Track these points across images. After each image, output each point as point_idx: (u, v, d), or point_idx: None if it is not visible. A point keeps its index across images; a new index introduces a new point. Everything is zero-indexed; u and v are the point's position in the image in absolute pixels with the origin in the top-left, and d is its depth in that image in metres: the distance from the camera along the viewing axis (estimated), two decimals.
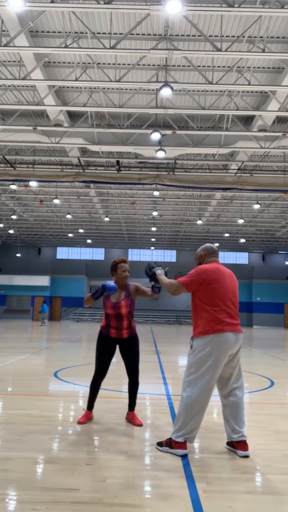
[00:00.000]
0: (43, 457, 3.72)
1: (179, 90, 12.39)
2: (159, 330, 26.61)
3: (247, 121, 14.44)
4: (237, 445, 3.88)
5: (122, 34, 10.23)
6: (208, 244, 4.35)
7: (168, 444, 3.89)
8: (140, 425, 4.72)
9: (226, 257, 41.91)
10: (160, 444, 3.98)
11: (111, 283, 4.61)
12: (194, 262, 4.34)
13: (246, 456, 3.83)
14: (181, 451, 3.79)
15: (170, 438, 3.89)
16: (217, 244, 37.00)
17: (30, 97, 13.33)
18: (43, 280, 38.07)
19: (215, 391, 3.98)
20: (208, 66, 11.54)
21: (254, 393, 6.96)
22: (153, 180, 16.34)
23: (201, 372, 3.82)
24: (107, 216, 27.18)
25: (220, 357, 3.80)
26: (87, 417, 4.81)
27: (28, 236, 36.69)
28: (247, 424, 4.97)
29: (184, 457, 3.75)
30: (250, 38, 10.33)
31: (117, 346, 4.84)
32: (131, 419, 4.81)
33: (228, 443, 4.02)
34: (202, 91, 12.74)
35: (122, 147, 15.11)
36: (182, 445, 3.81)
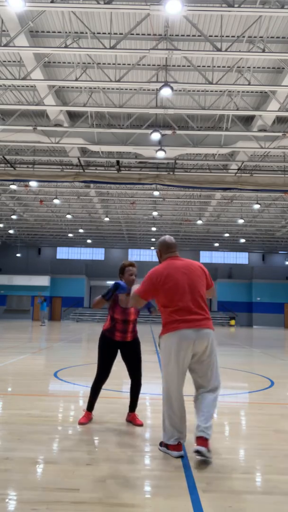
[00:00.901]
0: (43, 457, 3.72)
1: (179, 90, 12.39)
2: (159, 330, 26.61)
3: (247, 121, 14.44)
4: (196, 440, 3.60)
5: (122, 34, 10.23)
6: (163, 238, 4.12)
7: (166, 445, 3.89)
8: (141, 425, 4.72)
9: (226, 257, 41.93)
10: (161, 443, 3.99)
11: (122, 282, 4.62)
12: None
13: (198, 452, 3.50)
14: (175, 453, 3.77)
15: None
16: (216, 244, 37.06)
17: (30, 97, 13.33)
18: (43, 280, 38.07)
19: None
20: (208, 66, 11.54)
21: (254, 393, 6.97)
22: (153, 180, 16.34)
23: (167, 370, 3.83)
24: (107, 216, 27.18)
25: (178, 354, 3.72)
26: (88, 418, 4.81)
27: (28, 236, 36.70)
28: (247, 424, 4.98)
29: (181, 457, 3.75)
30: (250, 38, 10.32)
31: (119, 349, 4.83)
32: (132, 419, 4.81)
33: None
34: (202, 91, 12.74)
35: (122, 147, 15.12)
36: (177, 447, 3.79)
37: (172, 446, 3.80)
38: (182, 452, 3.78)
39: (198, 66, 11.40)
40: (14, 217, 27.30)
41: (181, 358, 3.73)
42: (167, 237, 4.10)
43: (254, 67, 11.50)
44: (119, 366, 4.91)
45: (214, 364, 3.83)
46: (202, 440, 3.54)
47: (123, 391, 6.12)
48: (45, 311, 30.41)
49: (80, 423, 4.71)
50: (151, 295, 3.89)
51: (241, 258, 42.05)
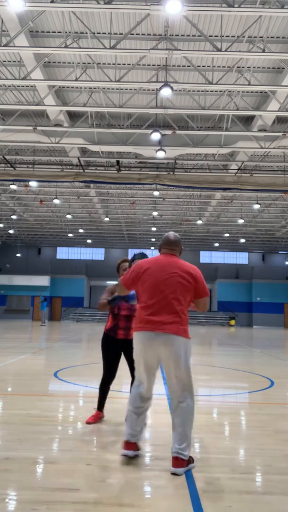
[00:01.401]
0: (43, 457, 3.71)
1: (179, 90, 12.39)
2: None
3: (247, 121, 14.44)
4: (172, 460, 3.47)
5: (122, 34, 10.23)
6: (167, 234, 3.97)
7: None
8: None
9: (226, 257, 41.92)
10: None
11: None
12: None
13: (175, 474, 3.38)
14: (122, 451, 3.66)
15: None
16: (216, 244, 37.05)
17: (30, 97, 13.33)
18: (43, 280, 38.07)
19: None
20: (208, 66, 11.54)
21: (254, 393, 6.97)
22: (153, 180, 16.35)
23: (137, 368, 3.79)
24: (107, 216, 27.18)
25: (142, 355, 3.65)
26: (97, 417, 4.81)
27: (28, 236, 36.69)
28: (247, 424, 4.98)
29: (125, 456, 3.62)
30: (250, 38, 10.33)
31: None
32: None
33: None
34: (202, 91, 12.74)
35: (122, 147, 15.12)
36: (125, 444, 3.67)
37: (123, 442, 3.70)
38: (127, 452, 3.63)
39: (198, 66, 11.40)
40: (14, 217, 27.30)
41: (145, 358, 3.65)
42: (171, 233, 3.94)
43: (254, 67, 11.50)
44: (119, 366, 4.90)
45: (180, 377, 3.56)
46: (178, 461, 3.43)
47: (123, 391, 6.11)
48: (45, 311, 30.42)
49: (88, 423, 4.72)
50: (131, 285, 3.79)
51: (241, 258, 42.05)
